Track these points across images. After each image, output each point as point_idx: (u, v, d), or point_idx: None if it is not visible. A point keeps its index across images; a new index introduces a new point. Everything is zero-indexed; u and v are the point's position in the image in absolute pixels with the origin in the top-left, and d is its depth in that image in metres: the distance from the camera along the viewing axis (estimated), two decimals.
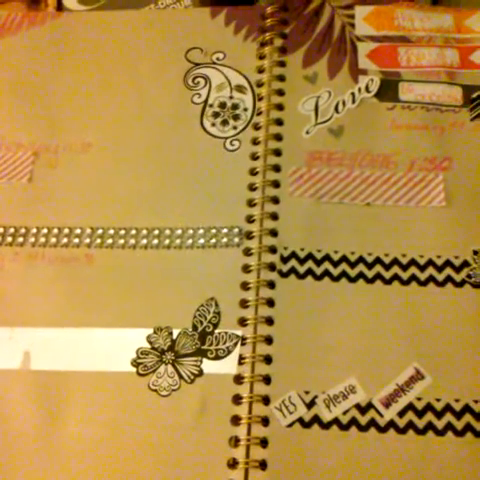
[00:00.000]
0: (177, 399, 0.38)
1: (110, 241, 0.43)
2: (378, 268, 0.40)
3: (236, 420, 0.37)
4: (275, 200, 0.43)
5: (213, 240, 0.42)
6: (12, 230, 0.44)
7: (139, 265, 0.42)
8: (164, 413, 0.37)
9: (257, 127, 0.46)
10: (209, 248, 0.42)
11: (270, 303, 0.40)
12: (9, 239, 0.43)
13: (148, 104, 0.47)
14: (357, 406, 0.37)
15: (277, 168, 0.44)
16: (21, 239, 0.43)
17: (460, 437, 0.36)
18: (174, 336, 0.40)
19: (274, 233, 0.42)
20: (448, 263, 0.40)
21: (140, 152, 0.46)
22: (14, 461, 0.37)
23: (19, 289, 0.42)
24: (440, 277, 0.40)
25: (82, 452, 0.37)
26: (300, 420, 0.37)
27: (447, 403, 0.36)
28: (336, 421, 0.36)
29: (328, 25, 0.49)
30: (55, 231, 0.43)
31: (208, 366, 0.38)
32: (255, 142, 0.45)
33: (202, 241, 0.42)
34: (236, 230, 0.42)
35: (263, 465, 0.36)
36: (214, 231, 0.42)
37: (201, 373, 0.38)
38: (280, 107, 0.46)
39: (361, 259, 0.41)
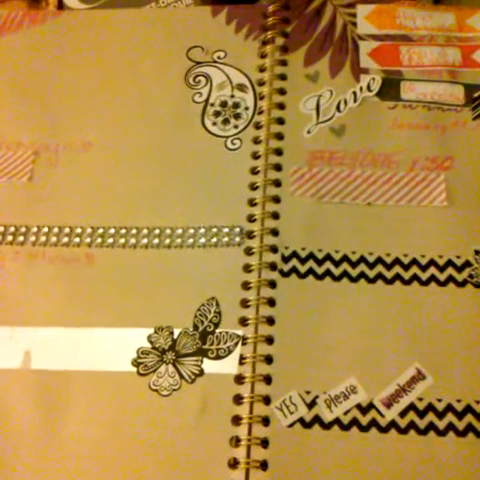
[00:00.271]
0: (178, 399, 0.38)
1: (111, 240, 0.43)
2: (379, 268, 0.40)
3: (237, 420, 0.37)
4: (276, 199, 0.43)
5: (214, 239, 0.42)
6: (12, 229, 0.44)
7: (140, 264, 0.42)
8: (165, 413, 0.37)
9: (258, 126, 0.46)
10: (210, 247, 0.42)
11: (271, 303, 0.40)
12: (9, 238, 0.43)
13: (149, 103, 0.47)
14: (358, 406, 0.37)
15: (278, 167, 0.44)
16: (21, 238, 0.43)
17: (461, 437, 0.36)
18: (175, 336, 0.39)
19: (275, 232, 0.42)
20: (450, 263, 0.40)
21: (141, 151, 0.46)
22: (14, 461, 0.37)
23: (19, 288, 0.42)
24: (442, 277, 0.40)
25: (82, 452, 0.37)
26: (301, 420, 0.37)
27: (449, 403, 0.36)
28: (337, 421, 0.36)
29: (330, 24, 0.49)
30: (55, 230, 0.43)
31: (209, 366, 0.38)
32: (256, 141, 0.45)
33: (203, 240, 0.42)
34: (237, 229, 0.42)
35: (264, 465, 0.36)
36: (215, 230, 0.42)
37: (202, 373, 0.38)
38: (281, 106, 0.46)
39: (362, 259, 0.41)
